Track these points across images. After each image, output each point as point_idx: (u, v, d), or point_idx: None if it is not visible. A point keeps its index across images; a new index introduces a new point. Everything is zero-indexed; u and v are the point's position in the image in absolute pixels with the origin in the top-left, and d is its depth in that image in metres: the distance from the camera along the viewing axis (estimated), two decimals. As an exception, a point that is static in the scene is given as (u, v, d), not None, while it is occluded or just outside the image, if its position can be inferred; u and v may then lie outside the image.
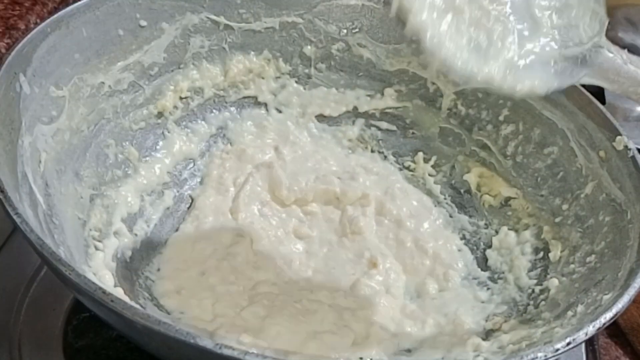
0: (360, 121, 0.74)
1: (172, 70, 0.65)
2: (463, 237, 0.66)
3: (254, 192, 0.64)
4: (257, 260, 0.59)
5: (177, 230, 0.62)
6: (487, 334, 0.54)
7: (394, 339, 0.55)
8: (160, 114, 0.65)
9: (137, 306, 0.45)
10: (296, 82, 0.72)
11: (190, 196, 0.65)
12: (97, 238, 0.54)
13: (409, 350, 0.54)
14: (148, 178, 0.63)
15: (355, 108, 0.73)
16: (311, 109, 0.73)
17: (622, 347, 0.62)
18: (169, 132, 0.66)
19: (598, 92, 0.87)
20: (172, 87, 0.66)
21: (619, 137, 0.55)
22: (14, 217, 0.39)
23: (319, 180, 0.66)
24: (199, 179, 0.67)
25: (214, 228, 0.61)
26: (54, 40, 0.53)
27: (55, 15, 0.54)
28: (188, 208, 0.65)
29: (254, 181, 0.65)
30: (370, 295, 0.57)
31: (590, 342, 0.61)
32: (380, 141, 0.74)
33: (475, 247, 0.65)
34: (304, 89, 0.73)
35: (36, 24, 0.55)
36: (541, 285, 0.56)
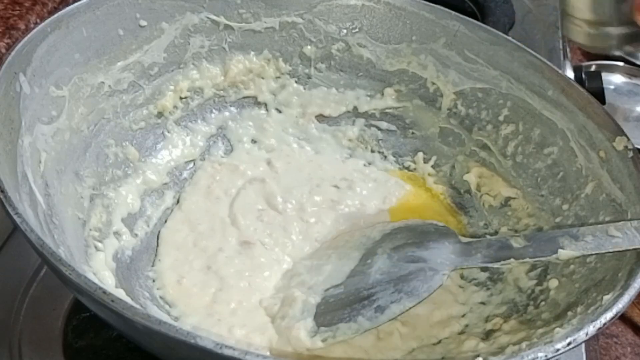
0: (360, 121, 0.74)
1: (172, 70, 0.65)
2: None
3: (249, 202, 0.64)
4: (268, 263, 0.59)
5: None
6: (487, 334, 0.54)
7: (414, 334, 0.55)
8: (160, 114, 0.65)
9: (138, 306, 0.45)
10: (296, 82, 0.72)
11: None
12: (97, 238, 0.54)
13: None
14: (148, 178, 0.63)
15: (355, 108, 0.73)
16: (311, 109, 0.73)
17: (622, 347, 0.62)
18: (169, 132, 0.66)
19: (598, 92, 0.88)
20: (172, 87, 0.66)
21: (619, 137, 0.55)
22: (14, 217, 0.39)
23: (314, 191, 0.66)
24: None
25: (214, 230, 0.61)
26: (54, 40, 0.53)
27: (55, 15, 0.54)
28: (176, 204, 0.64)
29: (246, 193, 0.65)
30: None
31: (590, 342, 0.61)
32: (380, 141, 0.74)
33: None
34: (304, 89, 0.73)
35: (36, 24, 0.55)
36: (541, 285, 0.56)
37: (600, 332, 0.49)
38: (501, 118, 0.66)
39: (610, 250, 0.49)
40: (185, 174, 0.67)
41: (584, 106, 0.59)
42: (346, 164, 0.72)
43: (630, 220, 0.50)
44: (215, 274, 0.57)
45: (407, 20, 0.70)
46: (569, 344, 0.40)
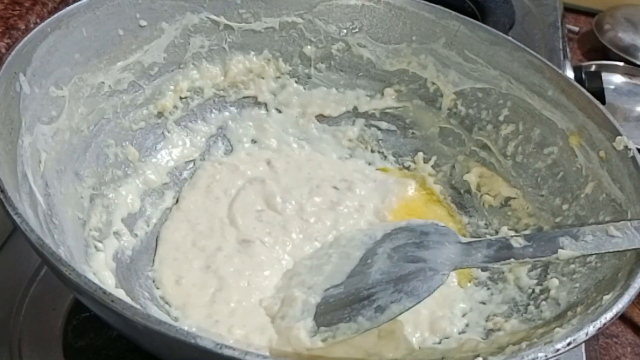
0: (360, 121, 0.74)
1: (172, 70, 0.65)
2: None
3: (248, 201, 0.64)
4: (268, 261, 0.59)
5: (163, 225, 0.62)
6: (487, 334, 0.54)
7: (415, 333, 0.55)
8: (160, 114, 0.65)
9: (138, 306, 0.45)
10: (296, 82, 0.72)
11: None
12: (97, 238, 0.54)
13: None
14: (148, 178, 0.63)
15: (355, 108, 0.73)
16: (311, 109, 0.73)
17: (622, 347, 0.62)
18: (169, 132, 0.66)
19: (598, 92, 0.88)
20: (172, 87, 0.66)
21: (619, 137, 0.55)
22: (14, 217, 0.39)
23: (313, 192, 0.66)
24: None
25: (213, 230, 0.61)
26: (54, 40, 0.53)
27: (55, 15, 0.54)
28: (175, 204, 0.64)
29: (246, 193, 0.65)
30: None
31: (590, 342, 0.61)
32: (380, 141, 0.74)
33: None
34: (304, 89, 0.73)
35: (36, 24, 0.56)
36: (541, 285, 0.56)
37: (600, 332, 0.49)
38: (501, 118, 0.66)
39: (610, 250, 0.49)
40: (185, 174, 0.67)
41: (584, 106, 0.59)
42: (346, 164, 0.72)
43: (630, 220, 0.50)
44: (215, 273, 0.57)
45: (407, 20, 0.70)
46: (569, 344, 0.40)
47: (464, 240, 0.55)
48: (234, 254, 0.59)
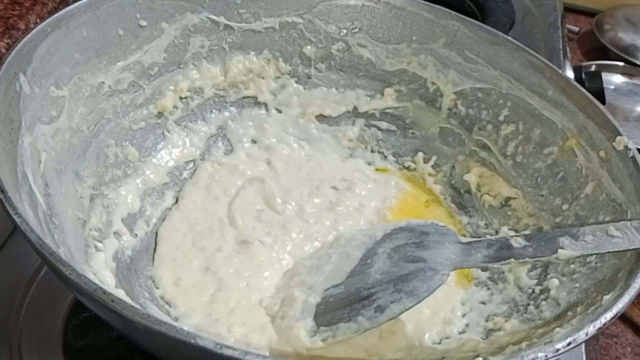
0: (360, 121, 0.74)
1: (172, 70, 0.65)
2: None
3: (248, 201, 0.64)
4: (268, 262, 0.59)
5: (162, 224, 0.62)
6: (487, 334, 0.54)
7: (418, 332, 0.55)
8: (160, 114, 0.65)
9: (138, 306, 0.45)
10: (296, 82, 0.72)
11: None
12: (97, 238, 0.54)
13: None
14: (148, 178, 0.63)
15: (355, 108, 0.73)
16: (311, 109, 0.73)
17: (622, 347, 0.62)
18: (169, 132, 0.66)
19: (598, 92, 0.88)
20: (172, 87, 0.66)
21: (619, 137, 0.55)
22: (14, 217, 0.39)
23: (313, 193, 0.66)
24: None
25: (213, 230, 0.61)
26: (54, 40, 0.53)
27: (55, 15, 0.54)
28: (175, 204, 0.64)
29: (245, 193, 0.65)
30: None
31: (590, 342, 0.61)
32: (380, 141, 0.74)
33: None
34: (304, 89, 0.73)
35: (36, 24, 0.56)
36: (541, 285, 0.56)
37: (600, 332, 0.49)
38: (501, 118, 0.66)
39: (610, 250, 0.49)
40: (185, 174, 0.67)
41: (584, 106, 0.59)
42: (346, 164, 0.72)
43: (630, 220, 0.50)
44: (214, 274, 0.57)
45: (407, 20, 0.70)
46: (569, 344, 0.40)
47: (464, 240, 0.55)
48: (234, 255, 0.59)
